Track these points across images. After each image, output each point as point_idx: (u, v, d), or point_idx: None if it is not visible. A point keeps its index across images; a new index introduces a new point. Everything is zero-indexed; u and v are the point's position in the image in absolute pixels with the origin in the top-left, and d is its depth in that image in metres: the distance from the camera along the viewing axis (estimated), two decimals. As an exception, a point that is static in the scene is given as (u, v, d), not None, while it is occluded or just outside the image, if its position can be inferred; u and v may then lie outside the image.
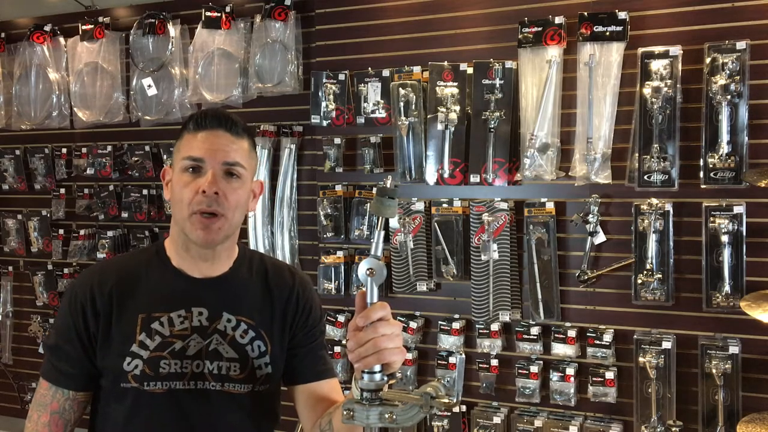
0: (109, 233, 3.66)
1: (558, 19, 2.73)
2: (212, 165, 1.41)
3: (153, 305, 1.47)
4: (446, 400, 1.11)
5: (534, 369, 2.78)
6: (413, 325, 2.96)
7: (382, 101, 3.03)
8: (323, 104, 3.12)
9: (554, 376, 2.76)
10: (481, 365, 2.89)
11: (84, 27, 3.64)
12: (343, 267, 3.11)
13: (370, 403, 1.15)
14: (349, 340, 1.20)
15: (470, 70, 2.88)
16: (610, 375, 2.67)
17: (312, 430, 1.55)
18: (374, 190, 1.18)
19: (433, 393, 1.12)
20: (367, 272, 1.15)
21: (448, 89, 2.90)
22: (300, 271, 1.67)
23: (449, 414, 2.92)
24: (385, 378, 1.18)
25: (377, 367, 1.16)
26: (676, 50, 2.57)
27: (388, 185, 1.16)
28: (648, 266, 2.62)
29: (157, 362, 1.44)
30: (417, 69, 2.97)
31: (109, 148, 3.67)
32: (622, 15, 2.64)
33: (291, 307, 1.57)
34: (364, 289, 1.18)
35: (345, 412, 1.16)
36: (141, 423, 1.44)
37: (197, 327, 1.47)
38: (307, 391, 1.57)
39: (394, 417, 1.13)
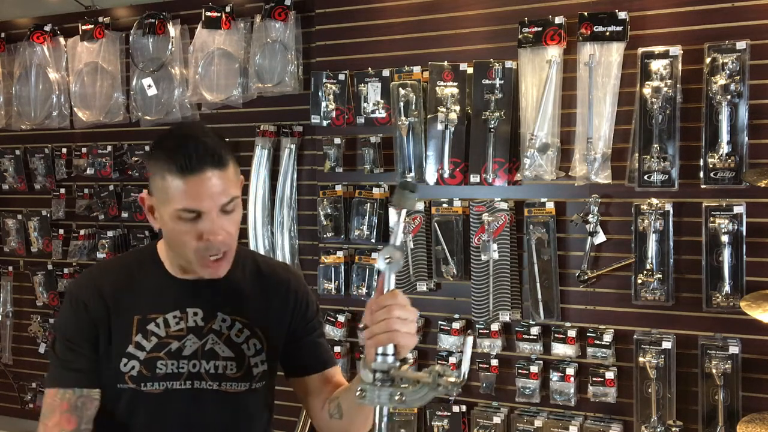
0: (109, 233, 3.66)
1: (558, 19, 2.73)
2: (210, 211, 1.36)
3: (148, 306, 1.47)
4: (453, 379, 1.15)
5: (534, 369, 2.78)
6: (413, 325, 2.96)
7: (382, 101, 3.03)
8: (323, 104, 3.12)
9: (554, 376, 2.76)
10: (481, 365, 2.89)
11: (84, 27, 3.64)
12: (343, 267, 3.11)
13: (382, 383, 1.19)
14: (365, 314, 1.25)
15: (470, 70, 2.87)
16: (610, 375, 2.67)
17: (320, 416, 1.57)
18: (396, 185, 1.28)
19: (440, 371, 1.17)
20: (386, 260, 1.21)
21: (448, 89, 2.89)
22: (292, 267, 1.68)
23: (449, 414, 2.92)
24: (398, 363, 1.22)
25: (390, 350, 1.20)
26: (676, 50, 2.57)
27: (409, 180, 1.23)
28: (648, 266, 2.62)
29: (153, 363, 1.44)
30: (417, 69, 2.97)
31: (109, 148, 3.67)
32: (622, 15, 2.64)
33: (289, 302, 1.58)
34: (382, 274, 1.25)
35: (358, 392, 1.20)
36: (138, 423, 1.45)
37: (192, 327, 1.48)
38: (315, 381, 1.59)
39: (404, 398, 1.18)
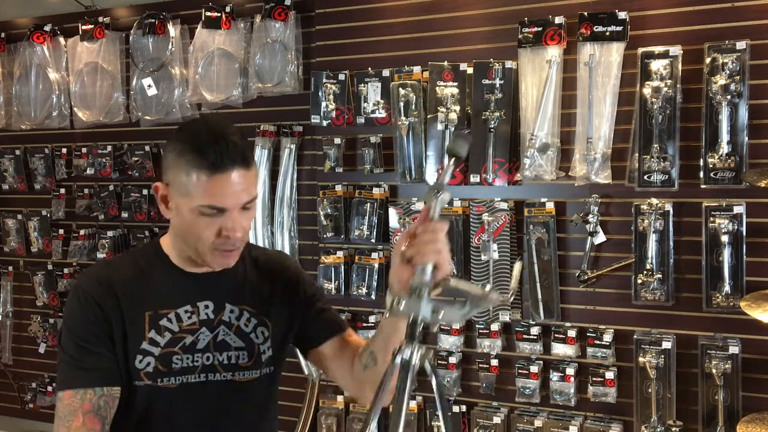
0: (109, 233, 3.66)
1: (558, 19, 2.73)
2: (233, 209, 1.39)
3: (158, 302, 1.47)
4: (499, 295, 1.23)
5: (534, 369, 2.78)
6: (413, 325, 2.95)
7: (382, 101, 3.03)
8: (323, 104, 3.12)
9: (554, 376, 2.76)
10: (481, 365, 2.89)
11: (84, 27, 3.64)
12: (343, 267, 3.11)
13: (419, 296, 1.25)
14: (401, 239, 1.34)
15: (470, 70, 2.87)
16: (610, 375, 2.67)
17: (350, 375, 1.57)
18: (452, 134, 1.38)
19: (481, 292, 1.26)
20: (434, 192, 1.33)
21: (448, 89, 2.89)
22: (284, 253, 1.70)
23: (449, 414, 2.92)
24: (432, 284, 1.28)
25: (428, 269, 1.28)
26: (676, 50, 2.57)
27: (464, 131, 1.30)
28: (648, 266, 2.62)
29: (169, 358, 1.45)
30: (417, 69, 2.97)
31: (109, 148, 3.67)
32: (622, 15, 2.64)
33: (291, 285, 1.61)
34: (427, 205, 1.34)
35: (395, 302, 1.25)
36: (152, 418, 1.45)
37: (204, 320, 1.49)
38: (334, 345, 1.61)
39: (442, 313, 1.25)
